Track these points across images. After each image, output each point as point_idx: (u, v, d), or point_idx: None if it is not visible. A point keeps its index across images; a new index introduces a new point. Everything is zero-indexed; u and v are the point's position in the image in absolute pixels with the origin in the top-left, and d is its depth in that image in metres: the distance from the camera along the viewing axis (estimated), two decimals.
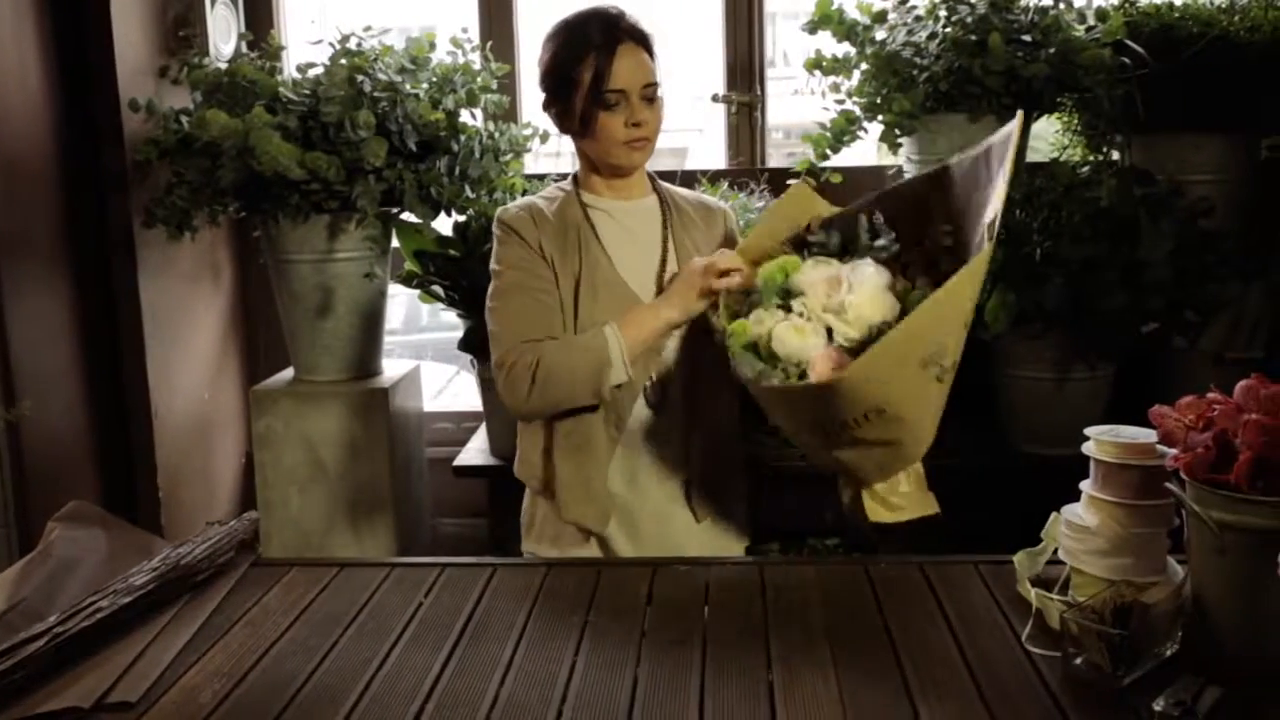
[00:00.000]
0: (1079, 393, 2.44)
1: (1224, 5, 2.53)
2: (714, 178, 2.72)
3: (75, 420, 2.66)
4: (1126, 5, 2.54)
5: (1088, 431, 1.47)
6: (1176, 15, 2.49)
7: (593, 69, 1.77)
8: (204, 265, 3.00)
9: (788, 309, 1.63)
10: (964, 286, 1.46)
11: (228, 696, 1.31)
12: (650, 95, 1.81)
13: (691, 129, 4.23)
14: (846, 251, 1.68)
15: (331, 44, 2.61)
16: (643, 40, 1.82)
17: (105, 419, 2.73)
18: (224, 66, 2.69)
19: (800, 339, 1.57)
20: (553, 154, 6.02)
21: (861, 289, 1.57)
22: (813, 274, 1.63)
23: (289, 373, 2.90)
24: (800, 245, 1.73)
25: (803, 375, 1.55)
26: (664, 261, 1.88)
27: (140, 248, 2.70)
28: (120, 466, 2.77)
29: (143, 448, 2.76)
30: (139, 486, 2.78)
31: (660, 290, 1.84)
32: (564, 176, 1.97)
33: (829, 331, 1.57)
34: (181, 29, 2.77)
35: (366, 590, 1.60)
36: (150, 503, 2.78)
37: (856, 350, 1.52)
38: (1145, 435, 1.42)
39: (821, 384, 1.47)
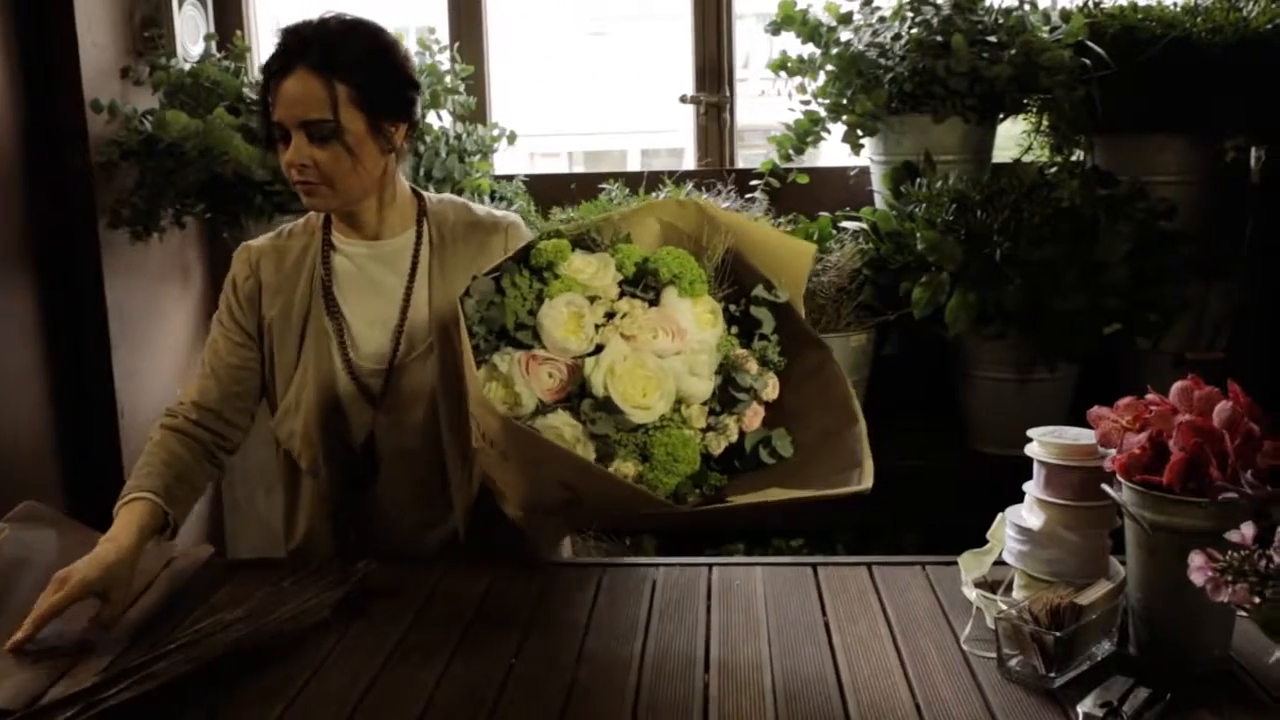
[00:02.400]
0: (1040, 393, 2.44)
1: (1188, 6, 2.54)
2: (680, 179, 2.72)
3: (40, 420, 2.65)
4: (1089, 7, 2.55)
5: (1031, 433, 1.47)
6: (1140, 17, 2.50)
7: (266, 92, 1.60)
8: (173, 266, 2.99)
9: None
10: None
11: None
12: (317, 134, 1.56)
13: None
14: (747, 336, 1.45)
15: None
16: (327, 65, 1.56)
17: (70, 418, 2.73)
18: (189, 67, 2.68)
19: (568, 333, 1.34)
20: (553, 154, 6.01)
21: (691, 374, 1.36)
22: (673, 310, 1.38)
23: None
24: (740, 299, 1.46)
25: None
26: (404, 314, 1.69)
27: (106, 248, 2.69)
28: (85, 465, 2.76)
29: (108, 447, 2.75)
30: (105, 485, 2.77)
31: (396, 354, 1.69)
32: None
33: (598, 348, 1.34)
34: (148, 30, 2.77)
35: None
36: (117, 500, 2.77)
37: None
38: (1087, 436, 1.42)
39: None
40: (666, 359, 1.34)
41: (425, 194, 1.77)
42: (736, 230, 1.47)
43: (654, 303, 1.38)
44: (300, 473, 1.76)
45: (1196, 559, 0.98)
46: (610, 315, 1.37)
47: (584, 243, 1.43)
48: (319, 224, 1.74)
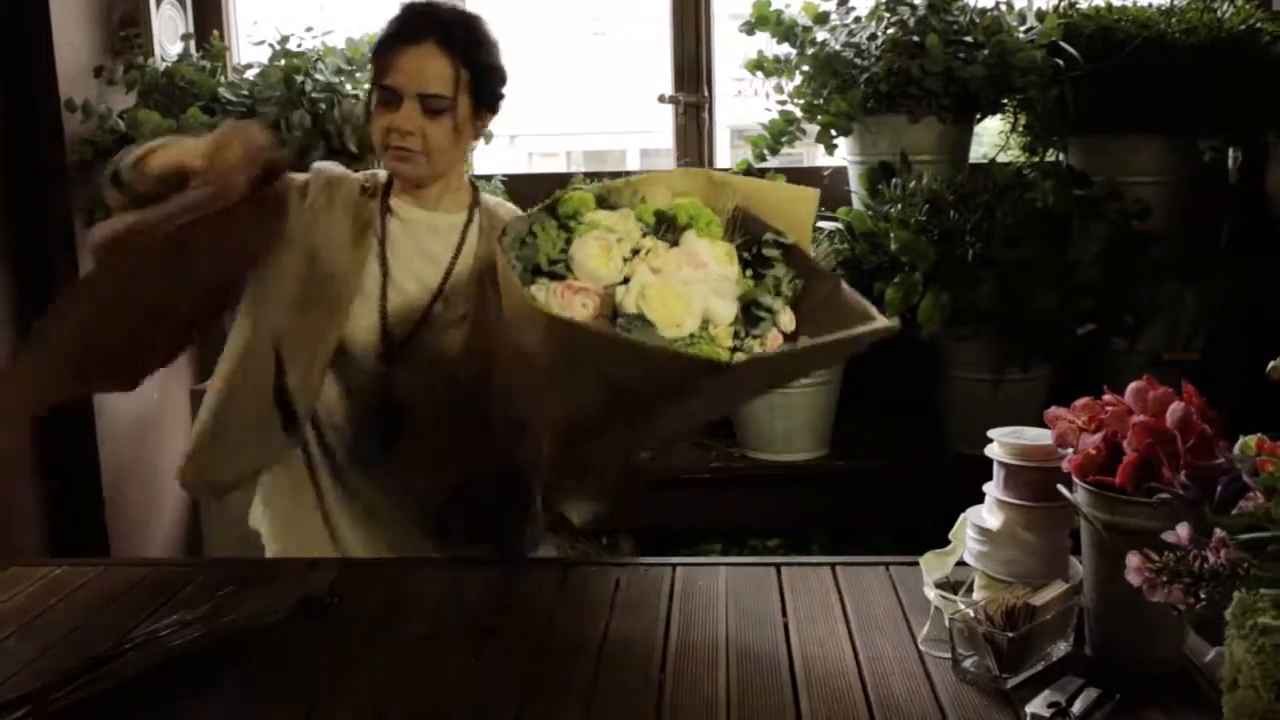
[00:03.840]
0: (1015, 394, 2.44)
1: (1164, 7, 2.54)
2: None
3: None
4: (1064, 7, 2.55)
5: (991, 433, 1.48)
6: (1114, 18, 2.50)
7: (383, 57, 1.66)
8: None
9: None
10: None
11: None
12: (433, 107, 1.64)
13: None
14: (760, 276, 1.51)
15: (272, 45, 2.61)
16: (456, 47, 1.64)
17: (47, 417, 2.72)
18: (165, 67, 2.68)
19: (599, 264, 1.39)
20: (550, 154, 5.99)
21: (716, 298, 1.42)
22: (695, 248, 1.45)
23: None
24: (753, 246, 1.51)
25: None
26: (444, 281, 1.73)
27: (82, 247, 2.69)
28: (63, 466, 2.76)
29: (85, 447, 2.74)
30: (81, 483, 2.77)
31: (429, 311, 1.72)
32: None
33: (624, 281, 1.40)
34: (126, 29, 2.76)
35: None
36: (94, 502, 2.77)
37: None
38: (1045, 437, 1.42)
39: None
40: (692, 283, 1.40)
41: (481, 188, 1.84)
42: (743, 188, 1.53)
43: (674, 245, 1.45)
44: (304, 478, 1.77)
45: (1133, 559, 0.98)
46: (635, 252, 1.43)
47: (604, 203, 1.49)
48: (380, 185, 1.76)
